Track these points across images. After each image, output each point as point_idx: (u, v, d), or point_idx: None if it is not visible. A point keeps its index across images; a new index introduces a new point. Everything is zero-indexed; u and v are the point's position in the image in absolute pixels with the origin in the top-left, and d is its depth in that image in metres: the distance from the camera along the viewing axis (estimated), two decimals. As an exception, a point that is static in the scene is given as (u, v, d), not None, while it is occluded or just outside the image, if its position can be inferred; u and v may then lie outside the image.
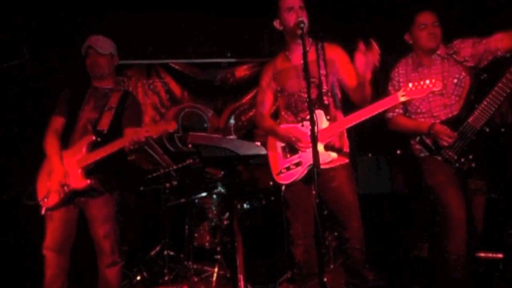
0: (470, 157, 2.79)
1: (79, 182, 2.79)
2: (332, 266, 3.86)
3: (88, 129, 2.91)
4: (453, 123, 2.81)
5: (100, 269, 2.88)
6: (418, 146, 2.99)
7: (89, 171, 2.82)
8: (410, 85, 2.53)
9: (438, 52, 2.94)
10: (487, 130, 2.73)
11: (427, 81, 2.51)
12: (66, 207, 2.84)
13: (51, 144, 2.91)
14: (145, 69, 5.05)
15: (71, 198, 2.83)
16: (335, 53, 2.76)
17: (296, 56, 2.78)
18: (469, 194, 2.85)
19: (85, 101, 2.98)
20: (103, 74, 3.03)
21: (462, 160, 2.80)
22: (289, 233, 2.79)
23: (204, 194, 4.24)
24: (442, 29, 2.92)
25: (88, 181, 2.79)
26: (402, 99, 2.54)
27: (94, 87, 3.04)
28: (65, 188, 2.78)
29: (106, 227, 2.86)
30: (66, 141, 2.92)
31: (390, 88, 3.04)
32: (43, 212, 2.85)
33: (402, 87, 2.56)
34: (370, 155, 4.60)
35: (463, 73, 2.89)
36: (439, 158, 2.87)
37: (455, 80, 2.88)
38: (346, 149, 2.76)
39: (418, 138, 2.97)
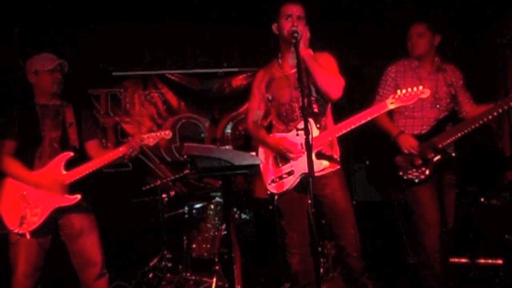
0: (449, 150, 2.90)
1: (66, 199, 2.75)
2: (331, 275, 3.82)
3: (55, 147, 2.83)
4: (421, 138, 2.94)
5: (87, 285, 2.83)
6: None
7: (71, 188, 2.78)
8: (399, 92, 2.55)
9: (436, 60, 3.07)
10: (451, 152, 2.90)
11: (415, 88, 2.53)
12: (43, 232, 2.75)
13: (14, 165, 2.75)
14: (142, 80, 5.08)
15: (52, 218, 2.76)
16: (322, 60, 2.69)
17: (288, 65, 2.77)
18: (443, 188, 2.98)
19: (41, 121, 2.84)
20: (60, 91, 2.93)
21: (438, 157, 2.88)
22: (285, 242, 2.77)
23: (202, 204, 4.23)
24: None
25: (79, 196, 2.77)
26: (391, 106, 2.57)
27: (43, 105, 2.89)
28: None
29: (94, 236, 2.85)
30: (28, 163, 2.78)
31: (384, 91, 3.10)
32: (28, 237, 2.67)
33: (391, 94, 2.59)
34: (367, 162, 4.58)
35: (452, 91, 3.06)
36: None
37: (446, 90, 3.03)
38: (337, 155, 2.75)
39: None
